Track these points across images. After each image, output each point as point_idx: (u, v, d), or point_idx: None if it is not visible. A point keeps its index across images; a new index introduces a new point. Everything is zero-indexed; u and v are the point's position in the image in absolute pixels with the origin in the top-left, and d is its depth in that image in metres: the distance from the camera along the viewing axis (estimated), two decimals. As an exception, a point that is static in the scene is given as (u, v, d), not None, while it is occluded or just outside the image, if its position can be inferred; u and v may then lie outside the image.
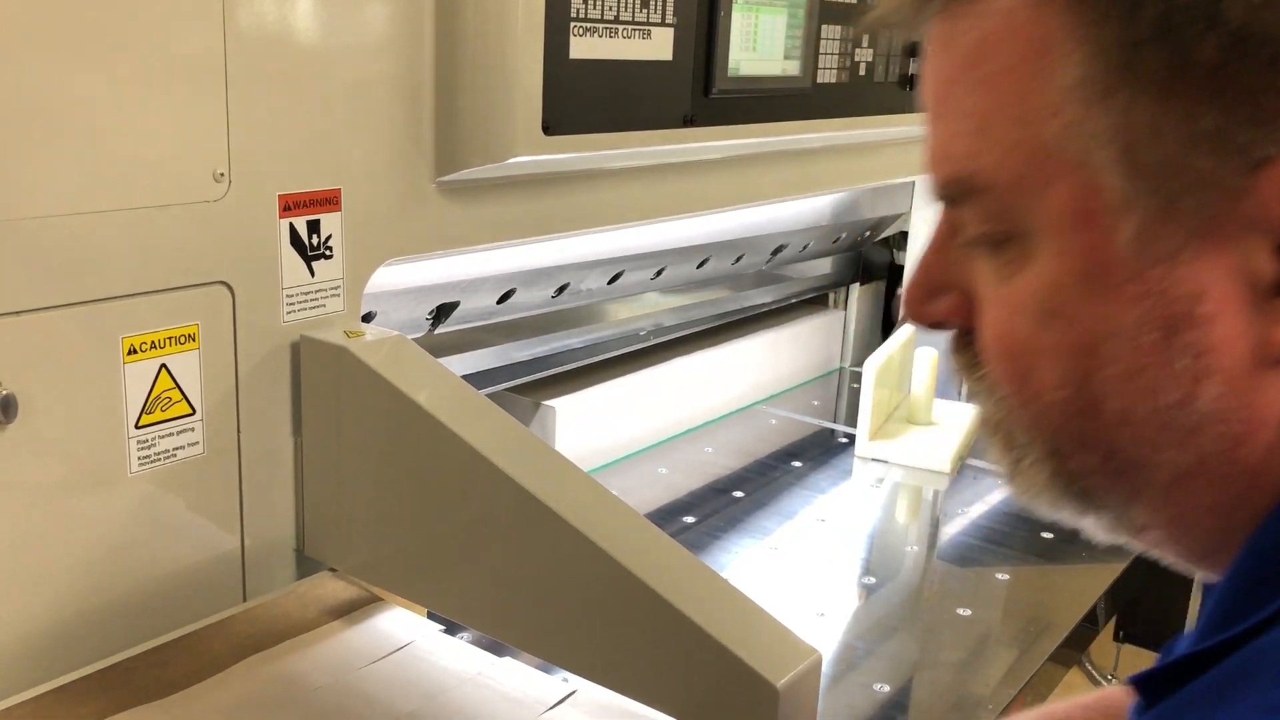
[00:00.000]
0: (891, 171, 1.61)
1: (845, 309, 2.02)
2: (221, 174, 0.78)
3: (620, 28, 0.96)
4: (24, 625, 0.73)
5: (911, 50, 1.38)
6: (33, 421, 0.71)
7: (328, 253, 0.86)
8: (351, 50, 0.84)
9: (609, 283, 1.39)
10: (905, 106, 1.42)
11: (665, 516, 1.38)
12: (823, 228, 1.74)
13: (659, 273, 1.46)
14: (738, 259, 1.61)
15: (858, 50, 1.29)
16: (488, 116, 0.90)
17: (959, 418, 1.70)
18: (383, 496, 0.83)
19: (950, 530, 1.39)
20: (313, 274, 0.86)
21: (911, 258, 1.90)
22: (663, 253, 1.42)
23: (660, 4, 1.00)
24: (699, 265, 1.54)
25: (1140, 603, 2.13)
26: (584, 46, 0.93)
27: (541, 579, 0.75)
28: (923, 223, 1.89)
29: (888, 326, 2.06)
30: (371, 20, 0.85)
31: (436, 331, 1.20)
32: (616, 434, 1.51)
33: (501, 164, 0.92)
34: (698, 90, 1.07)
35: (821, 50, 1.22)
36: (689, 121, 1.08)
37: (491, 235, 0.99)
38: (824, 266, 1.95)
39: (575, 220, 1.07)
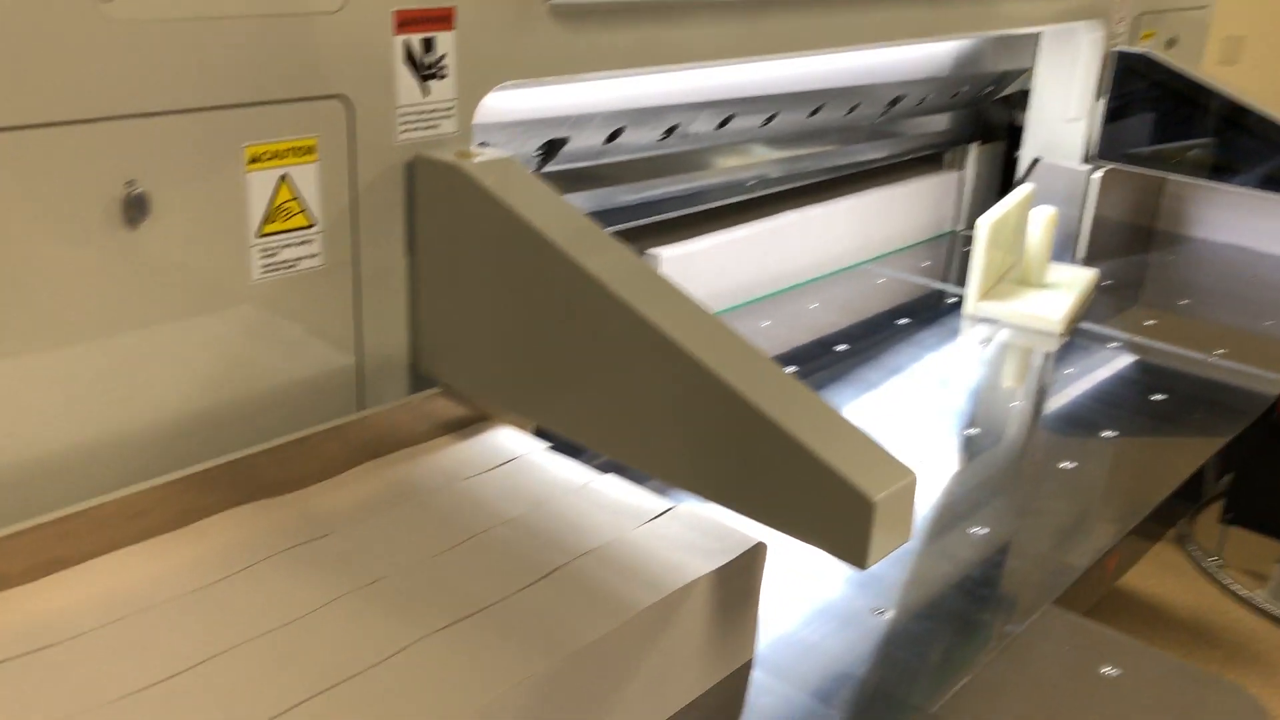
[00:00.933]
0: (1018, 19, 1.54)
1: (961, 170, 1.96)
2: (339, -14, 0.79)
3: None
4: (153, 417, 0.77)
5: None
6: (163, 222, 0.73)
7: (441, 72, 0.87)
8: None
9: (718, 127, 1.37)
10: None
11: (767, 365, 1.38)
12: (942, 79, 1.69)
13: (769, 119, 1.44)
14: (852, 109, 1.57)
15: (990, -117, 1.23)
16: (603, -64, 0.89)
17: (1074, 280, 1.66)
18: (495, 317, 0.85)
19: (1058, 390, 1.37)
20: (427, 93, 0.86)
21: (1034, 117, 1.84)
22: (774, 97, 1.40)
23: None
24: (811, 113, 1.50)
25: (1250, 485, 2.08)
26: None
27: (649, 397, 0.76)
28: (1047, 80, 1.81)
29: (1005, 191, 2.00)
30: None
31: (545, 170, 1.20)
32: (719, 286, 1.51)
33: (615, -14, 0.91)
34: (819, -83, 1.03)
35: (951, -120, 1.17)
36: (808, -49, 1.04)
37: (603, 62, 0.98)
38: (941, 123, 1.89)
39: (687, 52, 1.05)
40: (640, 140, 1.28)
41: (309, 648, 0.65)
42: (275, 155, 0.79)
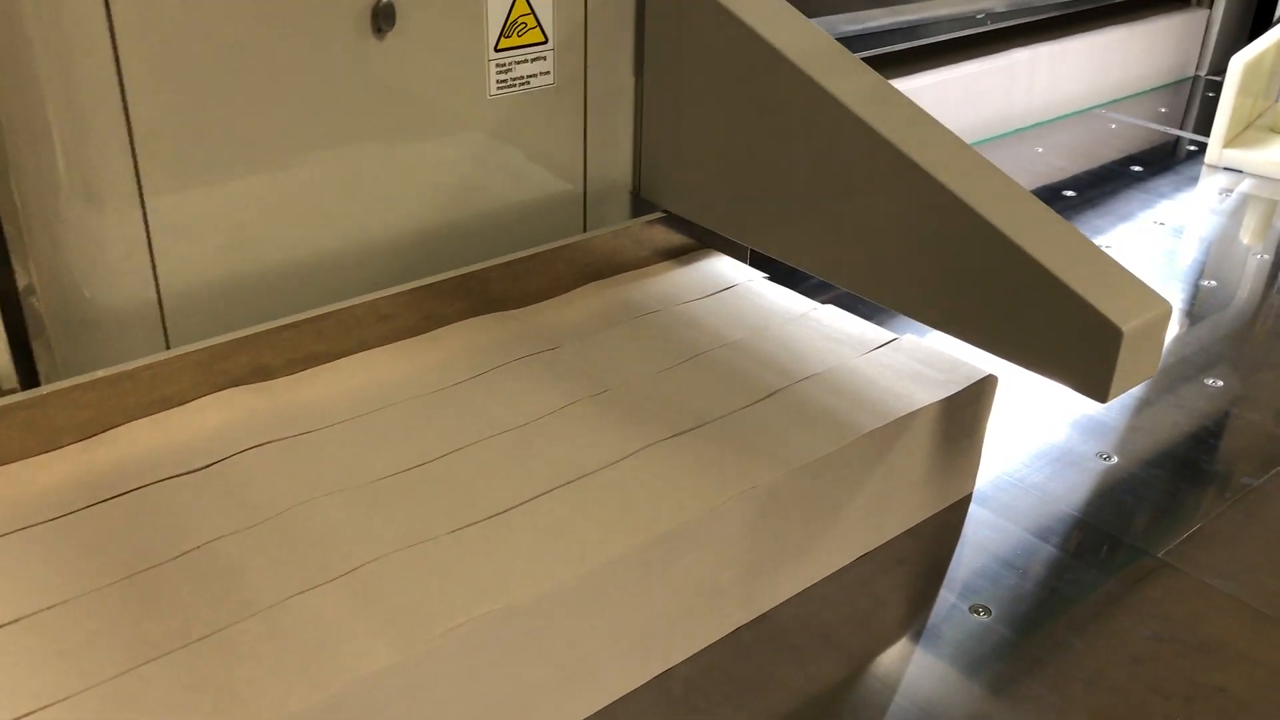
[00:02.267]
0: None
1: (1209, 8, 1.80)
2: None
3: None
4: (397, 228, 0.80)
5: None
6: (407, 34, 0.75)
7: (676, -116, 0.84)
8: None
9: (951, -46, 1.29)
10: None
11: (987, 209, 1.33)
12: (1200, -97, 1.54)
13: (1006, -54, 1.35)
14: (1096, -64, 1.45)
15: None
16: None
17: (1334, 129, 1.52)
18: (723, 141, 0.84)
19: (1308, 245, 1.27)
20: (660, -94, 0.84)
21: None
22: (1014, -79, 1.30)
23: None
24: (1051, -59, 1.40)
25: None
26: None
27: (887, 223, 0.74)
28: (1322, -97, 1.63)
29: (1257, 34, 1.83)
30: None
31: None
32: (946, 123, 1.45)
33: None
34: None
35: None
36: None
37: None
38: (1192, -45, 1.74)
39: None
40: (867, -33, 1.23)
41: (545, 447, 0.67)
42: (512, -32, 0.79)
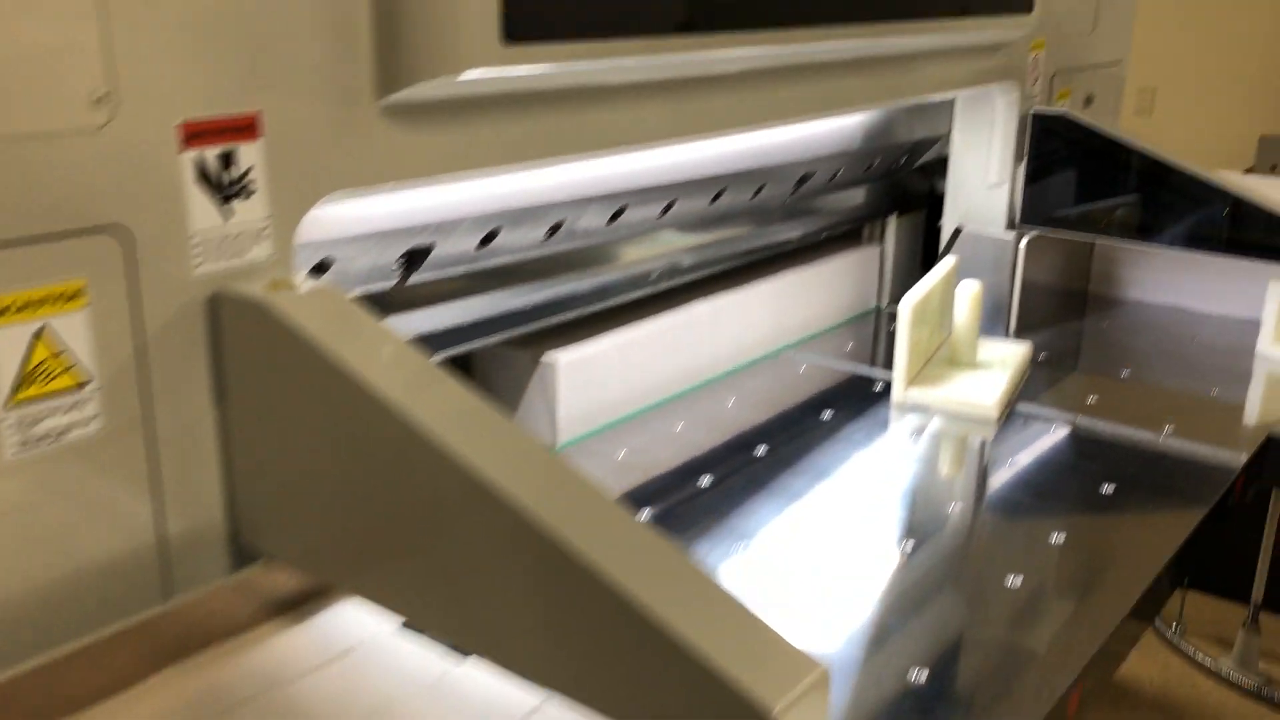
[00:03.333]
0: (930, 86, 1.44)
1: (881, 243, 1.86)
2: (102, 97, 0.65)
3: (592, -87, 0.81)
4: (-119, 643, 0.61)
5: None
6: None
7: (248, 190, 0.73)
8: (262, -55, 0.70)
9: (609, 221, 1.25)
10: (945, 9, 1.26)
11: (680, 478, 1.25)
12: (853, 153, 1.59)
13: (667, 208, 1.32)
14: (758, 191, 1.46)
15: (883, -56, 1.13)
16: (434, 21, 0.76)
17: (1006, 358, 1.55)
18: (321, 476, 0.71)
19: (999, 483, 1.25)
20: (229, 216, 0.72)
21: (954, 185, 1.74)
22: (670, 185, 1.28)
23: (641, -115, 0.85)
24: (713, 199, 1.39)
25: (1204, 547, 1.97)
26: (547, -66, 0.78)
27: (497, 576, 0.62)
28: (964, 146, 1.72)
29: (928, 262, 1.90)
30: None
31: (410, 281, 1.07)
32: (627, 388, 1.38)
33: (453, 80, 0.78)
34: (692, -12, 0.92)
35: (840, -57, 1.06)
36: (686, 27, 0.93)
37: (452, 164, 0.85)
38: (856, 197, 1.79)
39: (554, 145, 0.93)
40: (521, 240, 1.15)
41: None
42: (28, 305, 0.64)
